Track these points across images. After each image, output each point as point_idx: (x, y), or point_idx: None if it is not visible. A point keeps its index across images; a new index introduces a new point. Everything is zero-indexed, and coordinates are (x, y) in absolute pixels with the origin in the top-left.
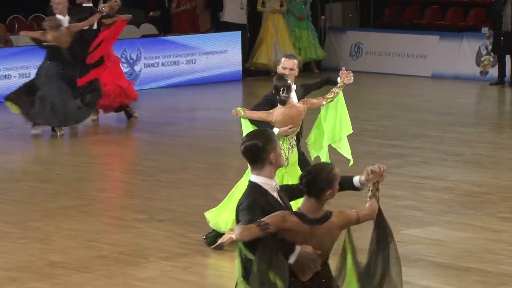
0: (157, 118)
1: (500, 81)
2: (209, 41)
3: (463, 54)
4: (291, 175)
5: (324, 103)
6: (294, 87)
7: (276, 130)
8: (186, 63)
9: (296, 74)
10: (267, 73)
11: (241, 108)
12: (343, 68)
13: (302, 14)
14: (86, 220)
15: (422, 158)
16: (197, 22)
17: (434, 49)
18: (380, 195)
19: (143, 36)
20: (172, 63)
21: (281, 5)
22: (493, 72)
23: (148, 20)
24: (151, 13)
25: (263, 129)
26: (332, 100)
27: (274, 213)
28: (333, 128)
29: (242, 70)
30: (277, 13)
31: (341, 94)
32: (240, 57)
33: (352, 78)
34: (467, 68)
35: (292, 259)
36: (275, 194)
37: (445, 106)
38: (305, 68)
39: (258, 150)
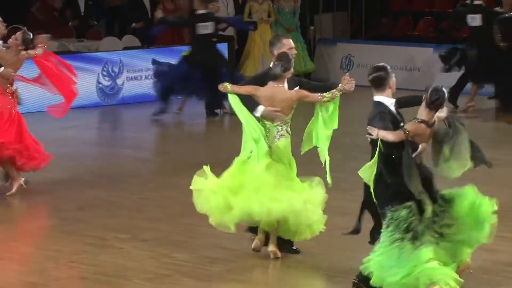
0: (140, 133)
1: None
2: None
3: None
4: (277, 162)
5: (320, 99)
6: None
7: (261, 108)
8: None
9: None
10: None
11: (228, 84)
12: (347, 74)
13: (290, 25)
14: (66, 240)
15: None
16: (182, 34)
17: (427, 61)
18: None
19: (126, 48)
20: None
21: (269, 16)
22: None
23: (131, 32)
24: (134, 24)
25: (383, 64)
26: (328, 100)
27: (411, 123)
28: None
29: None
30: (265, 24)
31: (337, 101)
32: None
33: (353, 86)
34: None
35: (414, 154)
36: (393, 108)
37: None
38: None
39: (383, 78)
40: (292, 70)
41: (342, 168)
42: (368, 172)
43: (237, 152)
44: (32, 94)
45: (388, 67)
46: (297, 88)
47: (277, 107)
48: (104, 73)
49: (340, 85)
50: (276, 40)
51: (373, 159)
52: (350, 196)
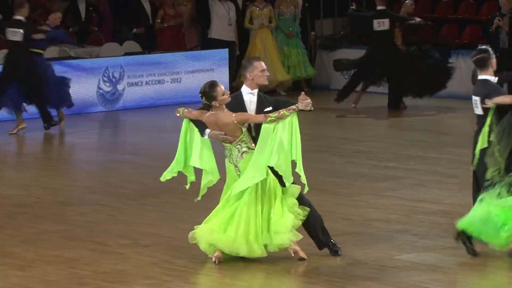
0: (141, 139)
1: None
2: (195, 59)
3: (458, 72)
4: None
5: (264, 120)
6: (255, 93)
7: (207, 131)
8: (171, 82)
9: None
10: None
11: (182, 108)
12: (303, 92)
13: (291, 30)
14: (67, 246)
15: (416, 180)
16: (183, 39)
17: None
18: (373, 219)
19: (126, 54)
20: (156, 82)
21: (270, 21)
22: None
23: (132, 37)
24: (135, 29)
25: (485, 47)
26: (275, 120)
27: None
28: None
29: (230, 89)
30: (266, 30)
31: (294, 120)
32: (228, 76)
33: (309, 106)
34: (462, 86)
35: None
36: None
37: (441, 127)
38: (295, 87)
39: (486, 59)
40: (223, 97)
41: (343, 173)
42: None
43: None
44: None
45: (490, 49)
46: (267, 105)
47: (222, 131)
48: (105, 79)
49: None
50: (248, 63)
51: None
52: (351, 201)
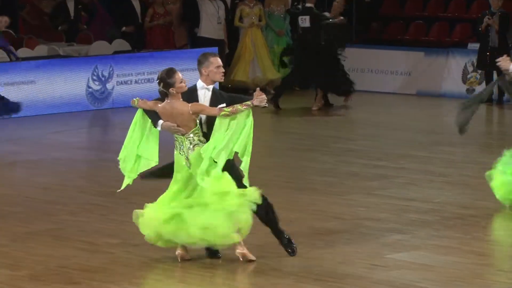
0: None
1: (488, 99)
2: (184, 58)
3: (449, 71)
4: (195, 173)
5: (218, 113)
6: (210, 88)
7: (160, 122)
8: None
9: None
10: (246, 91)
11: (137, 99)
12: (258, 88)
13: (281, 29)
14: (57, 245)
15: (407, 179)
16: (172, 38)
17: (419, 66)
18: (364, 218)
19: (116, 52)
20: (145, 81)
21: (260, 20)
22: (480, 89)
23: (121, 36)
24: (124, 28)
25: None
26: (229, 115)
27: None
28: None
29: (219, 88)
30: (256, 28)
31: (249, 120)
32: None
33: (264, 102)
34: (453, 85)
35: None
36: None
37: (431, 125)
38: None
39: None
40: (180, 84)
41: (335, 172)
42: None
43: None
44: (25, 98)
45: None
46: (222, 100)
47: (175, 121)
48: (94, 77)
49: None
50: (204, 58)
51: None
52: (343, 200)
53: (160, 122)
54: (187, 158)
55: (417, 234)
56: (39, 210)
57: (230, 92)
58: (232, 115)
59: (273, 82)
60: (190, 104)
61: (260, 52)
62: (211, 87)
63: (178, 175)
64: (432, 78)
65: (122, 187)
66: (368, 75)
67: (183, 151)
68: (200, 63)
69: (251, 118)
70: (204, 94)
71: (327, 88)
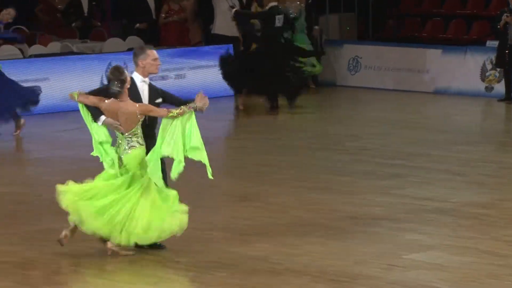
0: None
1: (508, 97)
2: (199, 55)
3: (467, 68)
4: (125, 177)
5: (166, 114)
6: (148, 81)
7: (102, 118)
8: (174, 78)
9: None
10: None
11: (76, 92)
12: (201, 91)
13: (296, 26)
14: (70, 244)
15: (423, 179)
16: (187, 35)
17: (436, 63)
18: (380, 218)
19: (130, 49)
20: (160, 78)
21: None
22: (499, 87)
23: (135, 33)
24: (138, 25)
25: None
26: (175, 116)
27: None
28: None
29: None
30: None
31: (193, 118)
32: None
33: (207, 105)
34: (471, 83)
35: None
36: None
37: (448, 124)
38: None
39: None
40: (128, 80)
41: (349, 172)
42: None
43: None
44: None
45: None
46: (157, 96)
47: (119, 119)
48: None
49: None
50: (141, 50)
51: None
52: (357, 200)
53: (103, 117)
54: (120, 158)
55: (433, 234)
56: (51, 208)
57: None
58: (178, 116)
59: None
60: (138, 105)
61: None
62: (147, 79)
63: (110, 170)
64: (449, 76)
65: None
66: (385, 72)
67: (119, 151)
68: (136, 55)
69: (193, 117)
70: (143, 87)
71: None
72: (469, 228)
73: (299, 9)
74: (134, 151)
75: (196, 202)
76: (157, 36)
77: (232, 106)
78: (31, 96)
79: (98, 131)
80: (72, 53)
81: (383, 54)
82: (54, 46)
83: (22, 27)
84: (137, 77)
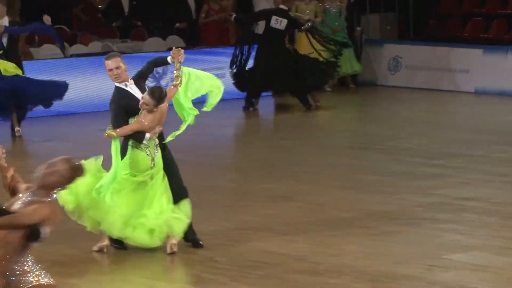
0: (181, 135)
1: None
2: None
3: (508, 68)
4: (156, 174)
5: (178, 88)
6: (131, 82)
7: (147, 136)
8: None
9: (126, 70)
10: None
11: (110, 130)
12: (173, 48)
13: (337, 26)
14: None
15: (464, 179)
16: (226, 35)
17: (477, 63)
18: (420, 218)
19: (170, 49)
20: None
21: (316, 16)
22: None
23: (175, 32)
24: (178, 24)
25: None
26: (181, 83)
27: None
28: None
29: None
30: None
31: (188, 70)
32: None
33: (183, 55)
34: None
35: None
36: None
37: (489, 124)
38: (341, 83)
39: None
40: (130, 81)
41: (389, 171)
42: None
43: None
44: (78, 95)
45: None
46: (143, 85)
47: (160, 123)
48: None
49: (169, 59)
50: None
51: None
52: (397, 200)
53: (148, 135)
54: (152, 159)
55: (475, 235)
56: None
57: None
58: (182, 79)
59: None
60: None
61: (315, 48)
62: (129, 83)
63: (140, 176)
64: (490, 75)
65: None
66: (425, 72)
67: (150, 152)
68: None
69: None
70: (132, 89)
71: (295, 93)
72: None
73: (339, 8)
74: (159, 149)
75: (235, 201)
76: (197, 35)
77: (272, 104)
78: (54, 91)
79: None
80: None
81: (423, 54)
82: (95, 45)
83: (63, 26)
84: (120, 84)
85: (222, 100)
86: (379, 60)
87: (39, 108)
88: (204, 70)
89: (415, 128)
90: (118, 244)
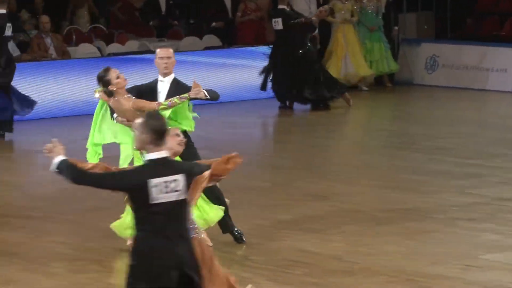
0: (215, 134)
1: None
2: None
3: None
4: None
5: (156, 107)
6: (169, 80)
7: (115, 115)
8: (250, 76)
9: (174, 64)
10: None
11: (99, 89)
12: (194, 80)
13: (373, 25)
14: None
15: (501, 179)
16: (263, 34)
17: None
18: (457, 218)
19: (206, 48)
20: (236, 76)
21: (352, 16)
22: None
23: (211, 31)
24: (214, 23)
25: None
26: (166, 108)
27: None
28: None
29: None
30: (348, 24)
31: (184, 106)
32: None
33: (201, 93)
34: None
35: None
36: None
37: None
38: (377, 82)
39: None
40: (117, 80)
41: (425, 171)
42: None
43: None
44: None
45: None
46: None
47: (125, 116)
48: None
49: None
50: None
51: None
52: (434, 199)
53: (115, 115)
54: (141, 153)
55: None
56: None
57: None
58: (170, 108)
59: (365, 78)
60: (132, 101)
61: (352, 48)
62: (167, 78)
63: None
64: None
65: None
66: (462, 71)
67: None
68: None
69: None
70: (162, 87)
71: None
72: None
73: (376, 7)
74: None
75: (271, 200)
76: (234, 34)
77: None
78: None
79: (103, 130)
80: (149, 51)
81: (461, 53)
82: (132, 44)
83: (100, 25)
84: (159, 77)
85: (259, 99)
86: (416, 59)
87: (77, 106)
88: (241, 69)
89: (452, 128)
90: None
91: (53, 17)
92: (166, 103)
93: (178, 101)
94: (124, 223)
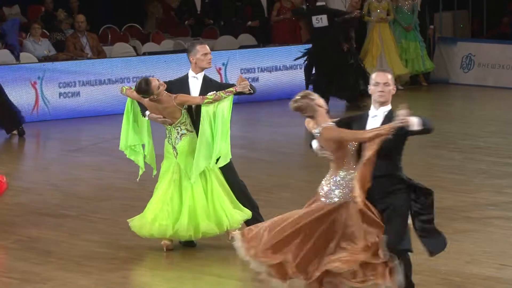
0: (254, 133)
1: None
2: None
3: None
4: (182, 163)
5: (202, 101)
6: (198, 76)
7: (147, 113)
8: (286, 76)
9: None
10: None
11: (126, 87)
12: (240, 75)
13: (409, 24)
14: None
15: None
16: (299, 33)
17: None
18: (493, 217)
19: (241, 47)
20: (271, 75)
21: (388, 14)
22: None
23: (247, 31)
24: (250, 23)
25: None
26: (212, 102)
27: None
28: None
29: None
30: (384, 23)
31: (229, 104)
32: None
33: (247, 88)
34: None
35: None
36: None
37: None
38: (413, 81)
39: None
40: (159, 90)
41: (463, 170)
42: None
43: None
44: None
45: None
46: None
47: (162, 113)
48: (221, 72)
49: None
50: (191, 46)
51: None
52: (471, 198)
53: (147, 112)
54: (174, 148)
55: None
56: None
57: None
58: (215, 102)
59: (401, 77)
60: (174, 96)
61: (388, 47)
62: (200, 75)
63: (166, 162)
64: None
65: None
66: (499, 70)
67: (171, 141)
68: (188, 51)
69: (230, 104)
70: (194, 83)
71: (344, 96)
72: None
73: (412, 6)
74: (185, 138)
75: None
76: (269, 34)
77: (343, 103)
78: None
79: (133, 131)
80: (184, 50)
81: (497, 52)
82: (167, 43)
83: (135, 25)
84: (190, 73)
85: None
86: (451, 58)
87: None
88: (276, 68)
89: (488, 127)
90: (187, 242)
91: (89, 16)
92: (212, 96)
93: (223, 95)
94: (142, 221)
